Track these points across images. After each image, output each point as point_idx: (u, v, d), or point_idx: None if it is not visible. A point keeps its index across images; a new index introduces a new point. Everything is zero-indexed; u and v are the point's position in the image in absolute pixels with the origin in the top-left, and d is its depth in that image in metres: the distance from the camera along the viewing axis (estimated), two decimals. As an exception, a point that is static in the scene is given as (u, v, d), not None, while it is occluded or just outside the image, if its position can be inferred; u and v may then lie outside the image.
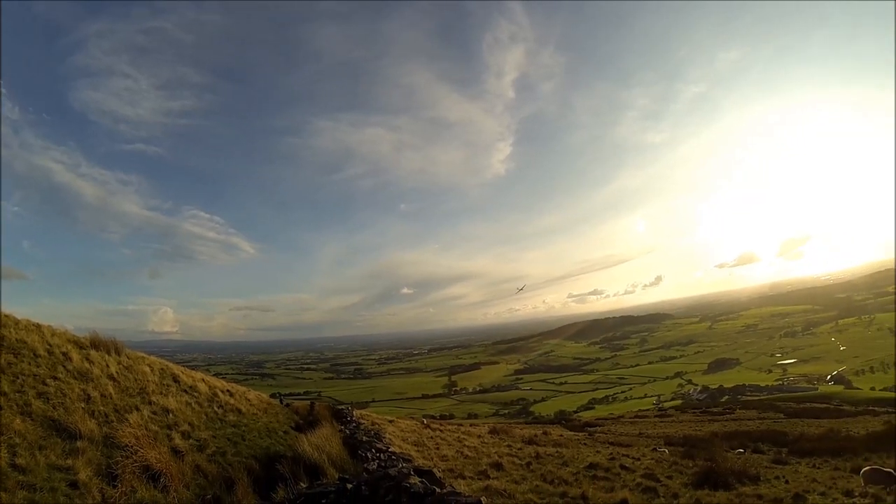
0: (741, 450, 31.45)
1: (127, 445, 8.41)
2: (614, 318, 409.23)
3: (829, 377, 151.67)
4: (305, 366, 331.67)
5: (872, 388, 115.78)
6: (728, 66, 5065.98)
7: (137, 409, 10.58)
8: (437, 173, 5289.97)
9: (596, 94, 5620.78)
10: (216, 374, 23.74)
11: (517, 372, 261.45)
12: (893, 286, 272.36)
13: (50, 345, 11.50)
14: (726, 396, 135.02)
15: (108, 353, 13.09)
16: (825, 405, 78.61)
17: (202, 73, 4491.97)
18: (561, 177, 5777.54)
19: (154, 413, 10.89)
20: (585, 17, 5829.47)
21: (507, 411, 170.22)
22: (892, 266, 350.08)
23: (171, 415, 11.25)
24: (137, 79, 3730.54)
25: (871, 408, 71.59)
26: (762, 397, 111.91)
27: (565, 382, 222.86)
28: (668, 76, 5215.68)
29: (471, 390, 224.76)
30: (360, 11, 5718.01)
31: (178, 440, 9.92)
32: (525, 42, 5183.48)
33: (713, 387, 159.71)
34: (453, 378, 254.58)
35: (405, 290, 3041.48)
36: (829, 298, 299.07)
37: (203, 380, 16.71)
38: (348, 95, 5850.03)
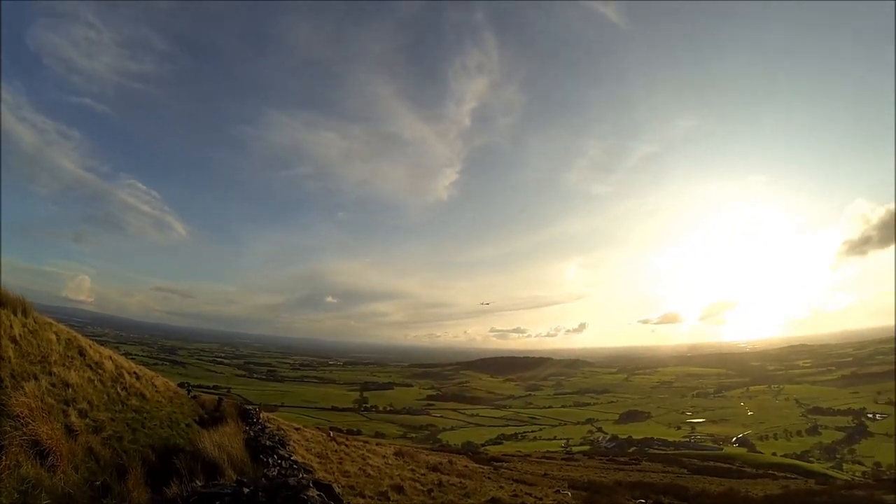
0: (643, 500, 32.62)
1: (18, 416, 7.87)
2: (533, 357, 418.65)
3: (734, 439, 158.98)
4: (219, 359, 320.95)
5: (774, 454, 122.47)
6: (681, 134, 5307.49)
7: (36, 378, 9.87)
8: (380, 188, 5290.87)
9: (550, 137, 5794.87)
10: (126, 354, 22.62)
11: (430, 398, 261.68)
12: (803, 361, 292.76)
13: (-51, 296, 10.72)
14: (634, 447, 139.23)
15: (15, 312, 12.17)
16: (728, 465, 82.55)
17: (167, 40, 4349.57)
18: (502, 212, 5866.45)
19: (53, 385, 10.17)
20: (555, 63, 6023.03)
21: (415, 435, 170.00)
22: (805, 343, 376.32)
23: (70, 389, 10.54)
24: (100, 30, 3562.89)
25: (770, 472, 75.93)
26: (668, 452, 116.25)
27: (477, 415, 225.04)
28: (622, 132, 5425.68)
29: (381, 409, 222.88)
30: (337, 14, 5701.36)
31: (74, 418, 9.33)
32: (491, 74, 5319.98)
33: (622, 437, 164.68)
34: (365, 394, 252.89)
35: (330, 299, 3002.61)
36: (742, 365, 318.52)
37: (111, 357, 15.86)
38: (308, 94, 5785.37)
